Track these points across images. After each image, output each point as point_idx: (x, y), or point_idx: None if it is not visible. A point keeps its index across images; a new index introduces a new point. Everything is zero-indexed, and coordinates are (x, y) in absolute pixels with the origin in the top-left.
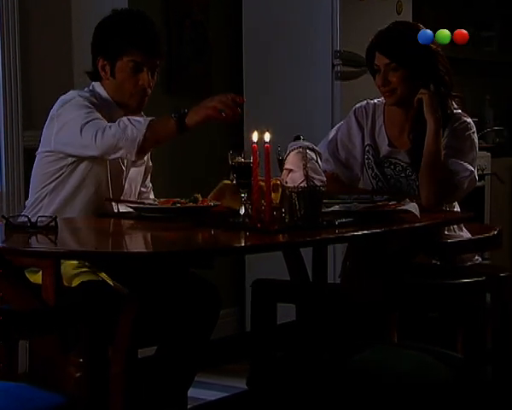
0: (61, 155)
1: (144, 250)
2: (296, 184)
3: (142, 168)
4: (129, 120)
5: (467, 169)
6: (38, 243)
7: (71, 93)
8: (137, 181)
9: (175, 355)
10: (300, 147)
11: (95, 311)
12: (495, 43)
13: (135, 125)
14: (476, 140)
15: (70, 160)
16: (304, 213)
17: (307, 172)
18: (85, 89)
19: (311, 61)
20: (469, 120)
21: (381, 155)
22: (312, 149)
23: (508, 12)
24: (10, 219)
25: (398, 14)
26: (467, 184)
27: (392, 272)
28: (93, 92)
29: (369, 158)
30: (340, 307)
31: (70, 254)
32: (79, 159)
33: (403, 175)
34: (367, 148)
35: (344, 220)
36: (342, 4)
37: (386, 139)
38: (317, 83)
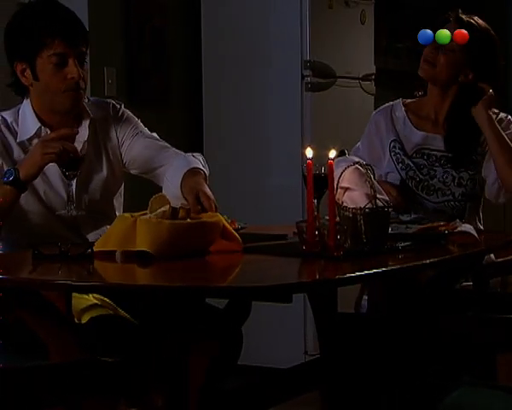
0: None
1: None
2: (361, 205)
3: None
4: None
5: None
6: (69, 274)
7: None
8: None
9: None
10: (358, 164)
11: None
12: None
13: None
14: None
15: None
16: (371, 238)
17: (374, 191)
18: (12, 109)
19: (278, 71)
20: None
21: (410, 147)
22: (368, 166)
23: None
24: (39, 248)
25: (362, 23)
26: None
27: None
28: (13, 115)
29: (396, 153)
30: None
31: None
32: None
33: (437, 164)
34: (392, 143)
35: (403, 244)
36: (311, 12)
37: (415, 129)
38: (286, 94)
